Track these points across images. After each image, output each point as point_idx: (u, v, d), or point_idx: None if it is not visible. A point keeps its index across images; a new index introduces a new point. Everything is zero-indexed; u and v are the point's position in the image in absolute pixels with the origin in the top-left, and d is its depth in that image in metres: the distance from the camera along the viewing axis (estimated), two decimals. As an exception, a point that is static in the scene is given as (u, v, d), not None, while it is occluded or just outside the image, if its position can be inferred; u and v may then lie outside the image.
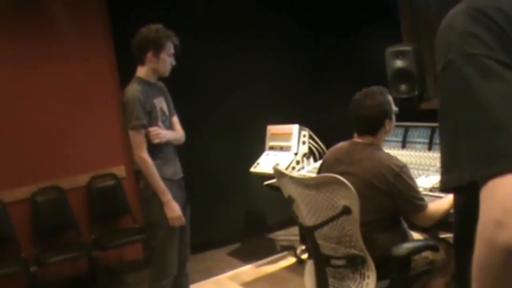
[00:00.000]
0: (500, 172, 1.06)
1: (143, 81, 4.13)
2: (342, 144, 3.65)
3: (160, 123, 4.16)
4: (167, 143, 4.19)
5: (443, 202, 3.27)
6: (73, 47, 5.76)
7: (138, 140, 4.03)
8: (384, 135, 3.58)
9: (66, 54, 5.73)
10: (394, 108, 3.58)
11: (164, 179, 4.08)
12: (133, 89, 4.06)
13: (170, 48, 4.13)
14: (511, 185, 1.06)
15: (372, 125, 3.48)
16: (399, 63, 5.40)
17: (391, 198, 3.28)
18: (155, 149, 4.09)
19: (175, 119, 4.39)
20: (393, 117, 3.56)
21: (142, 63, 4.13)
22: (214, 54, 6.34)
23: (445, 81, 1.23)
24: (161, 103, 4.21)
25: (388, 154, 3.52)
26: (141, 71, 4.15)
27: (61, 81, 5.70)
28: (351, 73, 6.01)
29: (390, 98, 3.56)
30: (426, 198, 3.38)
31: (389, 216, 3.36)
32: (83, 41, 5.79)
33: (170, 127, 4.28)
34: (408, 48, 5.39)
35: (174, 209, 4.06)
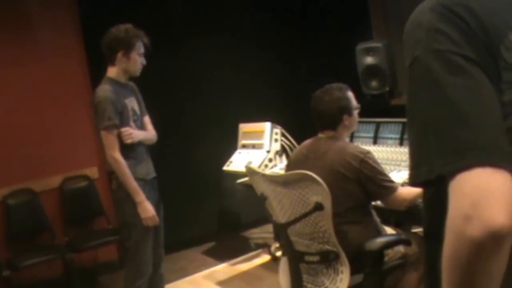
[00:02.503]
0: (468, 166, 1.09)
1: (114, 82, 4.10)
2: (307, 142, 3.72)
3: (131, 123, 4.13)
4: (140, 143, 4.16)
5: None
6: (44, 48, 5.71)
7: (110, 141, 3.99)
8: (346, 131, 3.65)
9: (36, 55, 5.68)
10: (356, 105, 3.64)
11: (137, 179, 4.05)
12: (104, 89, 4.03)
13: (140, 47, 4.09)
14: (479, 178, 1.08)
15: (331, 120, 3.56)
16: (369, 60, 5.43)
17: (359, 185, 3.33)
18: (128, 149, 4.07)
19: (147, 119, 4.37)
20: (354, 113, 3.62)
21: (112, 63, 4.10)
22: (184, 53, 6.33)
23: (413, 76, 1.25)
24: (132, 103, 4.18)
25: (351, 143, 3.59)
26: (112, 72, 4.12)
27: (31, 82, 5.64)
28: (323, 70, 6.03)
29: (349, 94, 3.62)
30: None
31: (359, 206, 3.40)
32: (54, 42, 5.74)
33: (141, 127, 4.25)
34: (379, 45, 5.42)
35: (147, 209, 4.03)
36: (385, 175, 3.38)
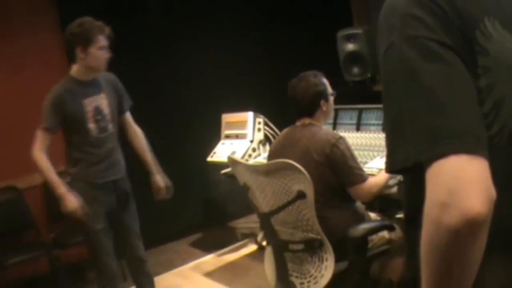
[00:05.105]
0: (444, 154, 1.09)
1: (73, 80, 3.98)
2: (284, 130, 3.75)
3: (90, 124, 3.99)
4: (100, 145, 4.05)
5: (380, 177, 3.40)
6: (23, 46, 5.66)
7: (37, 138, 3.95)
8: (323, 117, 3.66)
9: (16, 52, 5.63)
10: (331, 91, 3.67)
11: (86, 182, 4.00)
12: (53, 89, 3.97)
13: (99, 40, 3.88)
14: (455, 166, 1.08)
15: (308, 106, 3.58)
16: (350, 46, 5.41)
17: (331, 170, 3.35)
18: (81, 152, 4.02)
19: (127, 117, 4.30)
20: (330, 99, 3.64)
21: (74, 60, 3.96)
22: (165, 43, 6.30)
23: (388, 63, 1.24)
24: (96, 102, 4.03)
25: (325, 129, 3.61)
26: (73, 69, 4.00)
27: (11, 78, 5.60)
28: (304, 58, 6.02)
29: (324, 80, 3.65)
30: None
31: (336, 190, 3.42)
32: (33, 40, 5.69)
33: (106, 127, 4.09)
34: (359, 31, 5.40)
35: (68, 202, 3.88)
36: (355, 162, 3.39)
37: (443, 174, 1.09)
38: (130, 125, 4.34)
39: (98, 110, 4.02)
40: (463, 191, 1.06)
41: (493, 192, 1.08)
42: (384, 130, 1.28)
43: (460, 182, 1.06)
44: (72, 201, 3.89)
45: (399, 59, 1.20)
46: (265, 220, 3.48)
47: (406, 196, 1.43)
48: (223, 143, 5.49)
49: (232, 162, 3.66)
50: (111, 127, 4.11)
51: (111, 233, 4.15)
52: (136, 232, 4.31)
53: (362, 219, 3.49)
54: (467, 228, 1.05)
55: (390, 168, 1.23)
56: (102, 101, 4.05)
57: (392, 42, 1.22)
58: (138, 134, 4.37)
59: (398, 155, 1.19)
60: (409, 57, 1.18)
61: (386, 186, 3.41)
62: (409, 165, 1.16)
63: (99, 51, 3.90)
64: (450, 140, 1.09)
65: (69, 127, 4.00)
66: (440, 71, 1.15)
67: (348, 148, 3.39)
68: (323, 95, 3.58)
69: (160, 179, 4.42)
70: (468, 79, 1.17)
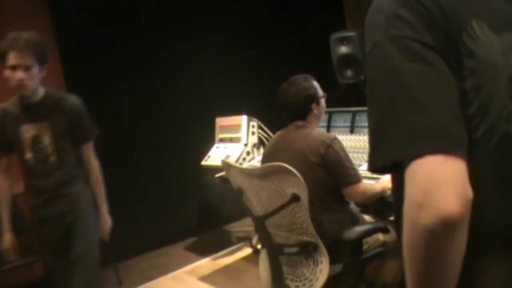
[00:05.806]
0: (420, 153, 1.10)
1: (18, 102, 3.57)
2: (278, 133, 3.76)
3: (28, 155, 3.55)
4: (38, 176, 3.61)
5: (377, 184, 3.42)
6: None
7: None
8: (315, 119, 3.67)
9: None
10: (322, 93, 3.69)
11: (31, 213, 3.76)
12: None
13: (8, 58, 3.34)
14: (430, 166, 1.09)
15: (300, 110, 3.60)
16: (344, 49, 5.43)
17: (326, 170, 3.36)
18: (25, 180, 3.75)
19: (85, 150, 3.74)
20: (321, 101, 3.67)
21: None
22: (158, 47, 6.30)
23: (372, 62, 1.26)
24: (36, 130, 3.54)
25: (319, 130, 3.64)
26: None
27: (4, 84, 5.58)
28: (298, 61, 6.03)
29: (315, 83, 3.66)
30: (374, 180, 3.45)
31: (331, 192, 3.42)
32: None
33: (52, 159, 3.59)
34: (352, 34, 5.42)
35: (2, 240, 3.74)
36: (350, 163, 3.40)
37: (418, 174, 1.09)
38: (87, 159, 3.77)
39: (36, 139, 3.54)
40: (437, 191, 1.06)
41: (469, 192, 1.09)
42: (368, 128, 1.28)
43: (435, 182, 1.07)
44: (5, 241, 3.74)
45: (382, 58, 1.21)
46: (260, 224, 3.47)
47: (395, 197, 1.44)
48: (217, 147, 5.49)
49: (226, 166, 3.65)
50: (54, 159, 3.58)
51: (64, 262, 3.73)
52: (75, 276, 3.74)
53: (356, 221, 3.49)
54: (442, 228, 1.06)
55: (371, 166, 1.24)
56: (43, 130, 3.54)
57: (376, 42, 1.24)
58: (93, 170, 3.79)
59: (379, 154, 1.19)
60: (391, 57, 1.19)
61: (380, 195, 3.41)
62: (388, 164, 1.16)
63: (10, 71, 3.39)
64: (427, 140, 1.10)
65: (14, 152, 3.65)
66: (420, 71, 1.16)
67: (342, 148, 3.40)
68: (314, 98, 3.60)
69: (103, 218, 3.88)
70: (450, 81, 1.18)
